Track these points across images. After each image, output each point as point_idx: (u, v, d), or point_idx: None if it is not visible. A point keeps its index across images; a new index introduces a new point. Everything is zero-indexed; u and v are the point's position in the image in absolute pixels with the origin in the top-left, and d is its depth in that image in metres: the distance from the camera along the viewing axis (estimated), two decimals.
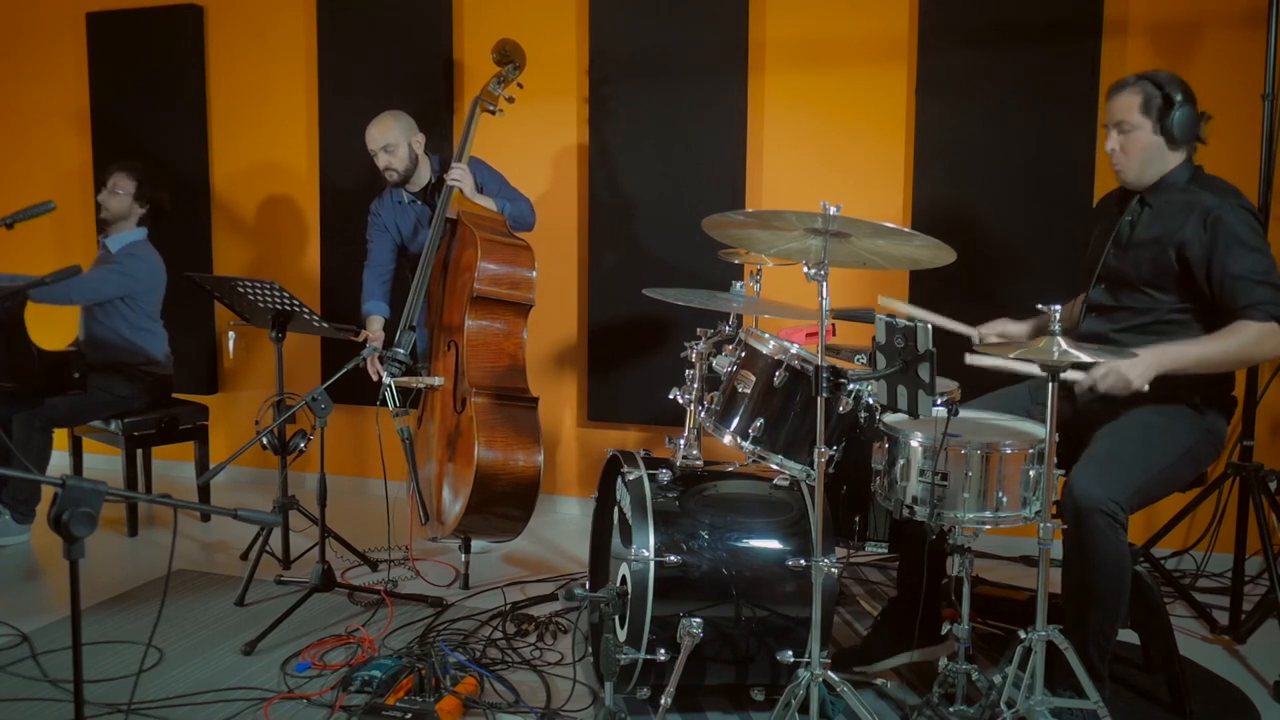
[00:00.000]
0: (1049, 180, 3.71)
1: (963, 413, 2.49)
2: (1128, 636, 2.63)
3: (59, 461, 4.31)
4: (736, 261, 3.33)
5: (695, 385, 2.79)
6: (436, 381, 3.54)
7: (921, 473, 2.34)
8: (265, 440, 3.44)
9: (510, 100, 3.75)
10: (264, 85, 4.77)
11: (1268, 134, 3.16)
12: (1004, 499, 2.31)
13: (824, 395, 2.21)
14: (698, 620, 2.44)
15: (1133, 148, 2.59)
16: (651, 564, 2.47)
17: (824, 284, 2.22)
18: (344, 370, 3.24)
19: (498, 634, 3.10)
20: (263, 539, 3.61)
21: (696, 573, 2.52)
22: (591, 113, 4.25)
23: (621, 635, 2.54)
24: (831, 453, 2.47)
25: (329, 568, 3.26)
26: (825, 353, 2.23)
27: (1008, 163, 3.76)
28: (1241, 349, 2.45)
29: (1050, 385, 2.16)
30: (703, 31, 4.07)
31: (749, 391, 2.55)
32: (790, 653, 2.49)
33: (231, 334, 4.06)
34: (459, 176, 3.60)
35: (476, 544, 3.72)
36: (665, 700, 2.43)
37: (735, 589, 2.52)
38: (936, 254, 2.32)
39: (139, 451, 4.22)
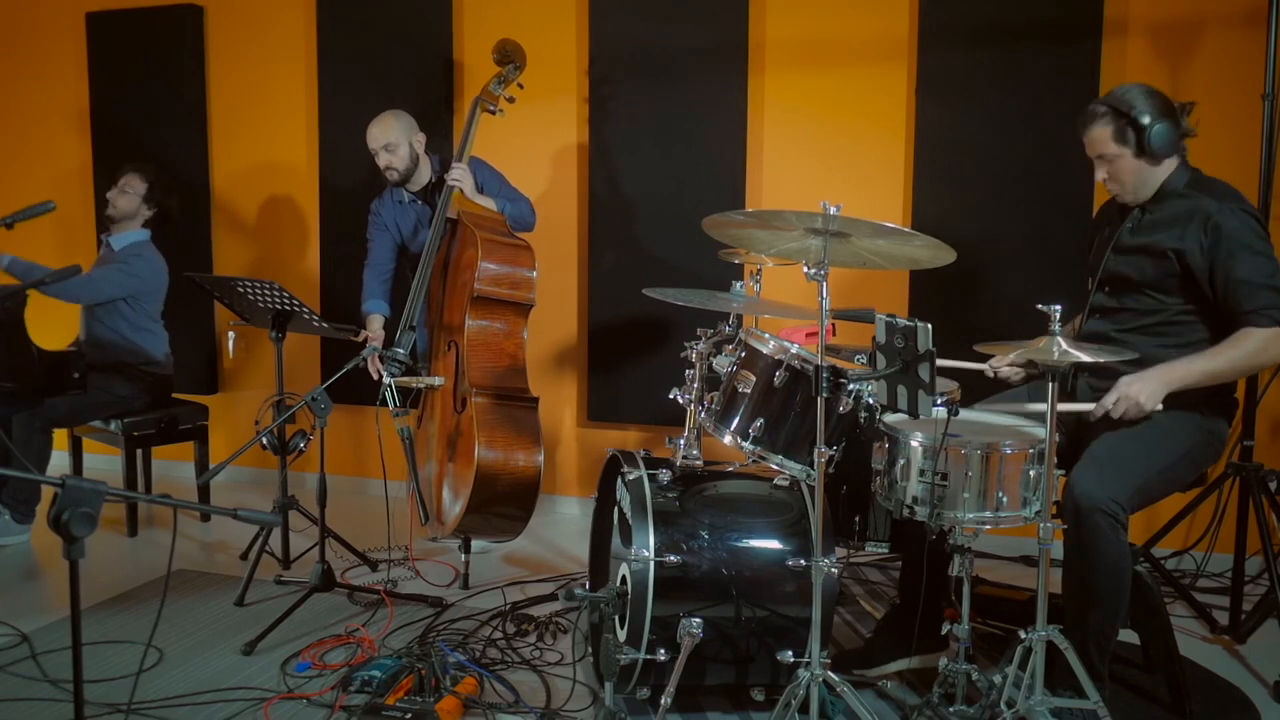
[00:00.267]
0: (1048, 180, 3.71)
1: (963, 413, 2.49)
2: (1128, 636, 2.63)
3: (59, 461, 4.31)
4: (736, 261, 3.33)
5: (695, 385, 2.79)
6: (437, 381, 3.54)
7: (921, 473, 2.34)
8: (265, 440, 3.44)
9: (510, 100, 3.75)
10: (264, 85, 4.77)
11: (1268, 134, 3.15)
12: (1004, 499, 2.31)
13: (824, 395, 2.21)
14: (698, 620, 2.43)
15: (1120, 174, 2.59)
16: (651, 564, 2.47)
17: (824, 284, 2.22)
18: (344, 370, 3.24)
19: (498, 634, 3.10)
20: (263, 539, 3.61)
21: (696, 573, 2.52)
22: (591, 113, 4.25)
23: (621, 635, 2.54)
24: (831, 453, 2.47)
25: (329, 568, 3.26)
26: (825, 353, 2.23)
27: (1008, 163, 3.76)
28: (1248, 357, 2.45)
29: (1050, 386, 2.16)
30: (703, 31, 4.07)
31: (749, 391, 2.55)
32: (790, 653, 2.49)
33: (231, 334, 4.07)
34: (459, 176, 3.60)
35: (476, 544, 3.72)
36: (665, 700, 2.43)
37: (735, 589, 2.52)
38: (936, 254, 2.32)
39: (139, 451, 4.22)
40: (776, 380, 2.50)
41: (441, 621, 3.20)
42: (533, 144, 4.35)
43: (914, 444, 2.36)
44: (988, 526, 2.35)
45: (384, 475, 3.54)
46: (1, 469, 2.02)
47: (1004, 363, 2.78)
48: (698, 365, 2.80)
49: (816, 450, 2.25)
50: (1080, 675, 2.24)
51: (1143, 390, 2.39)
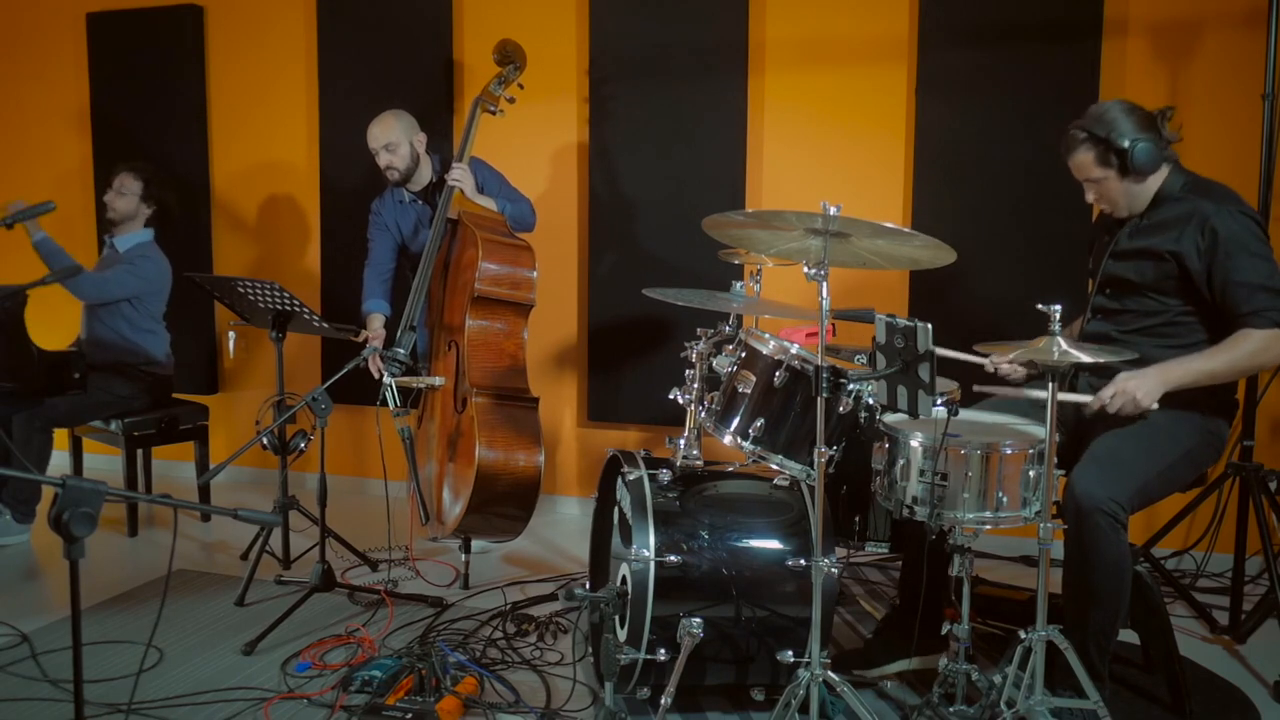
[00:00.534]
0: (1048, 180, 3.70)
1: (963, 413, 2.49)
2: (1128, 636, 2.63)
3: (59, 461, 4.31)
4: (736, 261, 3.33)
5: (695, 385, 2.80)
6: (437, 381, 3.54)
7: (921, 473, 2.34)
8: (265, 440, 3.44)
9: (511, 100, 3.75)
10: (264, 85, 4.77)
11: (1268, 134, 3.15)
12: (1004, 499, 2.31)
13: (824, 395, 2.21)
14: (698, 620, 2.43)
15: (1109, 195, 2.59)
16: (651, 564, 2.47)
17: (824, 284, 2.22)
18: (344, 370, 3.24)
19: (498, 634, 3.10)
20: (263, 539, 3.61)
21: (696, 573, 2.52)
22: (591, 113, 4.25)
23: (621, 635, 2.54)
24: (831, 453, 2.47)
25: (329, 568, 3.27)
26: (825, 353, 2.23)
27: (1008, 163, 3.76)
28: (1247, 358, 2.45)
29: (1050, 386, 2.16)
30: (703, 31, 4.07)
31: (749, 391, 2.55)
32: (790, 653, 2.49)
33: (231, 334, 4.07)
34: (460, 177, 3.60)
35: (476, 544, 3.72)
36: (665, 700, 2.43)
37: (735, 589, 2.52)
38: (936, 254, 2.32)
39: (139, 451, 4.22)
40: (776, 380, 2.50)
41: (442, 621, 3.20)
42: (533, 144, 4.35)
43: (914, 444, 2.36)
44: (988, 526, 2.35)
45: (384, 475, 3.54)
46: (2, 469, 2.02)
47: (1004, 360, 2.78)
48: (698, 365, 2.80)
49: (816, 450, 2.25)
50: (1080, 675, 2.24)
51: (1140, 387, 2.39)
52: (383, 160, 3.73)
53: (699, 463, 2.73)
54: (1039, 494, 2.28)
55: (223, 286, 3.66)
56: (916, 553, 2.72)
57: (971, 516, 2.32)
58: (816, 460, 2.26)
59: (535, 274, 3.51)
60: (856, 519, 2.71)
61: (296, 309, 3.51)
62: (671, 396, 2.88)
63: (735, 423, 2.57)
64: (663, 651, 2.48)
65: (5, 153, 5.24)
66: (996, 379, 2.70)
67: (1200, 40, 3.59)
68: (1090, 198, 2.63)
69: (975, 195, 3.81)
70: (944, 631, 2.44)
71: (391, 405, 3.35)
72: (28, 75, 5.14)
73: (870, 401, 2.55)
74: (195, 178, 4.85)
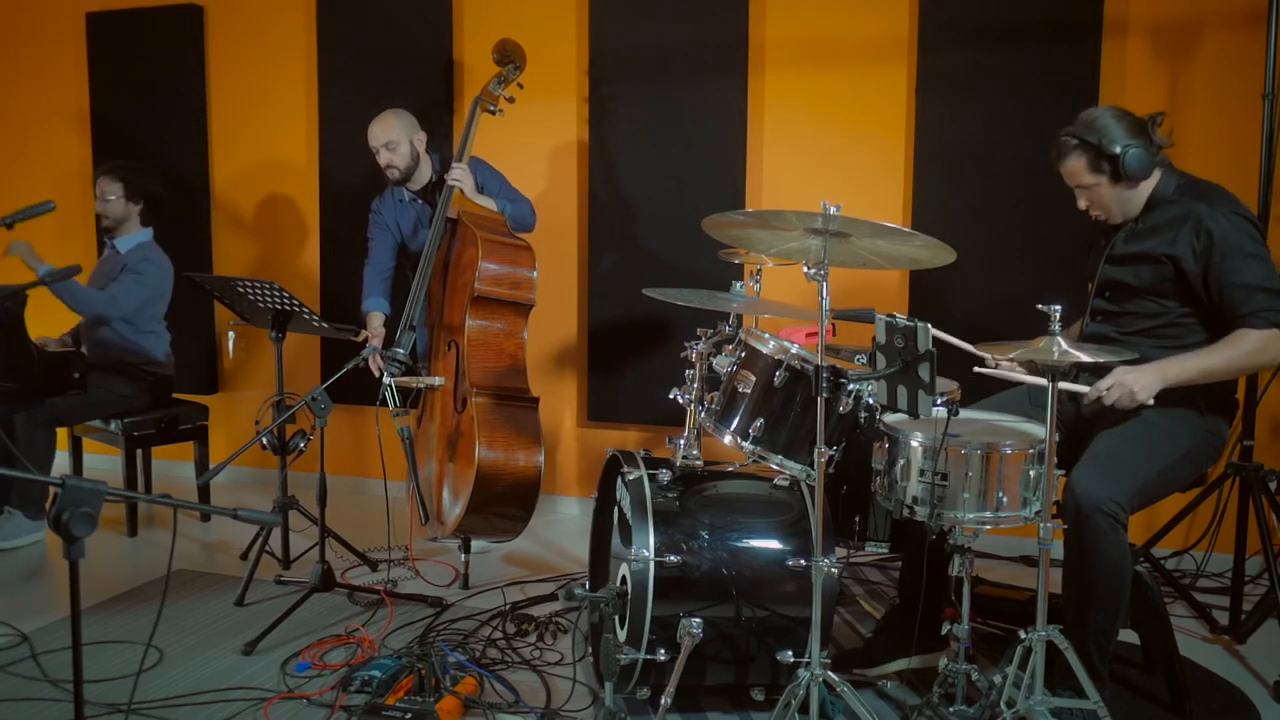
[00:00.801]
0: (1048, 180, 3.68)
1: (963, 413, 2.49)
2: (1128, 636, 2.63)
3: (59, 461, 4.31)
4: (736, 261, 3.32)
5: (695, 385, 2.79)
6: (437, 381, 3.54)
7: (921, 473, 2.34)
8: (265, 440, 3.44)
9: (511, 100, 3.75)
10: (264, 85, 4.77)
11: (1268, 134, 3.15)
12: (1004, 499, 2.31)
13: (824, 395, 2.21)
14: (698, 620, 2.43)
15: (1101, 201, 2.59)
16: (651, 564, 2.47)
17: (824, 284, 2.22)
18: (344, 370, 3.24)
19: (498, 634, 3.10)
20: (262, 539, 3.61)
21: (696, 573, 2.52)
22: (591, 113, 4.25)
23: (621, 635, 2.54)
24: (831, 453, 2.47)
25: (329, 568, 3.26)
26: (825, 353, 2.23)
27: (1008, 163, 3.76)
28: (1244, 357, 2.45)
29: (1050, 385, 2.16)
30: (703, 31, 4.07)
31: (749, 391, 2.55)
32: (790, 653, 2.49)
33: (231, 334, 4.07)
34: (459, 176, 3.60)
35: (476, 544, 3.72)
36: (665, 700, 2.43)
37: (735, 589, 2.52)
38: (936, 254, 2.32)
39: (139, 451, 4.22)
40: (776, 380, 2.50)
41: (441, 621, 3.20)
42: (533, 144, 4.35)
43: (914, 444, 2.36)
44: (988, 526, 2.35)
45: (384, 475, 3.54)
46: (3, 469, 2.02)
47: (1004, 359, 2.78)
48: (698, 365, 2.80)
49: (816, 450, 2.25)
50: (1080, 675, 2.23)
51: (1137, 381, 2.39)
52: (383, 159, 3.73)
53: (699, 463, 2.72)
54: (1039, 494, 2.28)
55: (223, 286, 3.66)
56: (916, 553, 2.72)
57: (971, 516, 2.32)
58: (816, 460, 2.26)
59: (535, 274, 3.51)
60: (856, 519, 2.71)
61: (296, 309, 3.51)
62: (671, 396, 2.88)
63: (735, 423, 2.57)
64: (662, 651, 2.47)
65: (5, 153, 5.24)
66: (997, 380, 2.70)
67: (1200, 40, 3.59)
68: (1082, 204, 2.63)
69: (975, 195, 3.81)
70: (944, 631, 2.44)
71: (391, 405, 3.35)
72: (28, 75, 5.14)
73: (870, 401, 2.55)
74: (195, 178, 4.85)
